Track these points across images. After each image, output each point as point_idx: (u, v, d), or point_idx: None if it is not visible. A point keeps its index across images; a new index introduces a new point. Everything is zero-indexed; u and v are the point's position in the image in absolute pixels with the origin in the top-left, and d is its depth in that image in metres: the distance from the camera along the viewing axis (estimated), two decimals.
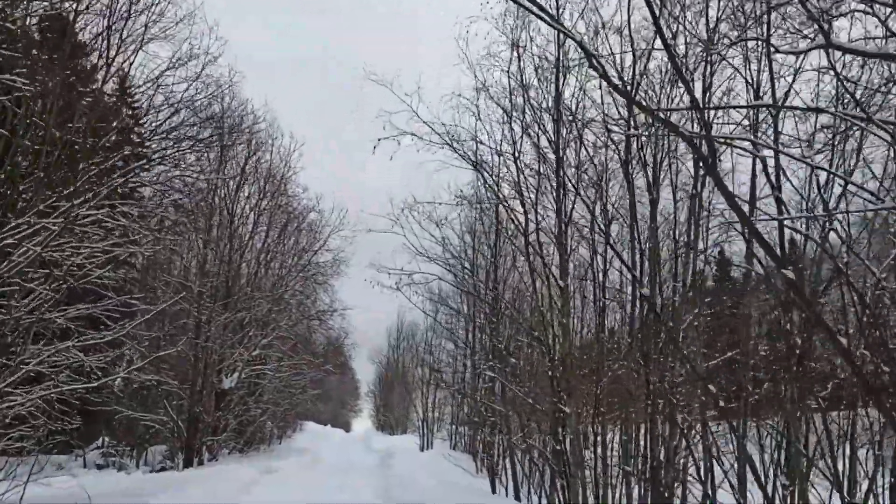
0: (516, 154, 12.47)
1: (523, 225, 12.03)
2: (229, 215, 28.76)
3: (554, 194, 11.52)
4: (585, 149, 11.74)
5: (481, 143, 12.56)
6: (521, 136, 12.57)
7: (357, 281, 34.35)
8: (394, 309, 54.43)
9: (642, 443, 14.64)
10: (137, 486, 16.37)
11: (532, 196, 12.56)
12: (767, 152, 7.82)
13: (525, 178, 12.69)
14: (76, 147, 11.71)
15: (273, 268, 32.55)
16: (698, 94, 9.15)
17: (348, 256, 31.36)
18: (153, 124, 13.37)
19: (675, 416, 9.88)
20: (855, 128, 7.57)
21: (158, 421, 25.16)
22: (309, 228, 32.06)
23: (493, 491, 17.03)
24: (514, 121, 12.47)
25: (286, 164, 30.50)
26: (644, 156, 11.50)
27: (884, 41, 5.65)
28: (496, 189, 12.25)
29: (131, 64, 14.16)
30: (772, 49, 7.01)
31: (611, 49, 10.07)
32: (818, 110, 6.86)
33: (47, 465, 21.21)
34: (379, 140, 10.73)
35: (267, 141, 29.87)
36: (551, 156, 11.80)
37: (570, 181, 11.57)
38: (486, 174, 12.33)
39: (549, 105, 11.45)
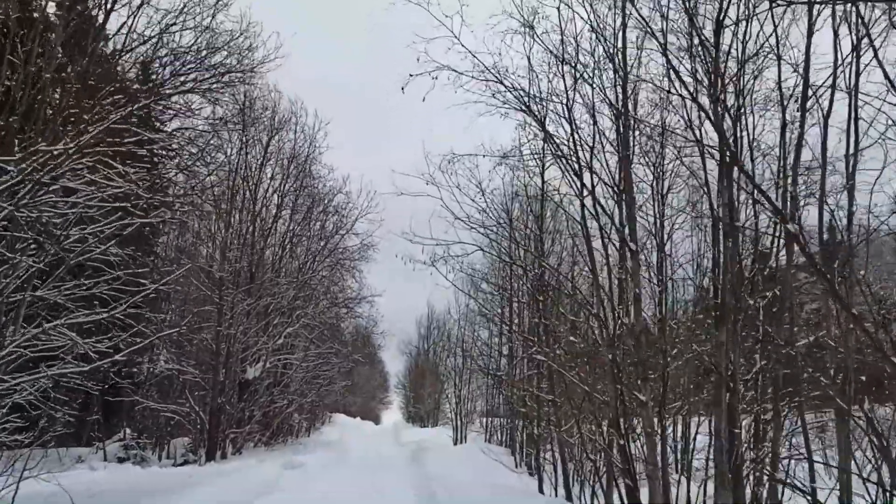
0: (568, 104, 10.77)
1: (578, 181, 10.29)
2: (252, 197, 27.52)
3: (615, 133, 9.81)
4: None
5: (530, 96, 10.79)
6: (574, 85, 10.87)
7: (386, 266, 33.01)
8: (423, 297, 52.92)
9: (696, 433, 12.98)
10: (147, 483, 15.07)
11: (587, 154, 10.84)
12: None
13: (579, 134, 10.97)
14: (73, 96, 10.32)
15: (297, 254, 31.30)
16: None
17: (376, 240, 29.94)
18: (160, 75, 11.89)
19: (779, 403, 8.17)
20: None
21: (180, 412, 24.05)
22: (335, 211, 30.68)
23: (541, 490, 15.34)
24: (566, 66, 10.75)
25: (311, 144, 29.22)
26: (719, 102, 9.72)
27: None
28: (547, 133, 10.45)
29: (136, 17, 12.74)
30: None
31: None
32: None
33: (66, 457, 20.35)
34: (410, 76, 9.07)
35: (290, 119, 28.64)
36: (609, 104, 10.08)
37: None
38: (535, 118, 10.52)
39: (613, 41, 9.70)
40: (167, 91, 11.20)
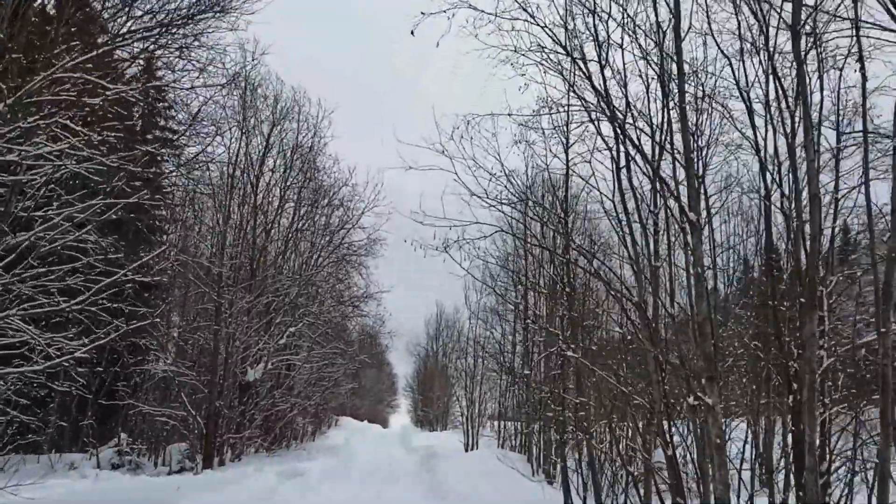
0: (602, 60, 9.32)
1: (615, 124, 8.84)
2: (253, 189, 26.15)
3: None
4: None
5: (568, 42, 9.32)
6: (607, 39, 9.44)
7: (394, 262, 31.56)
8: (432, 297, 51.54)
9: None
10: (131, 494, 13.71)
11: (620, 114, 9.40)
12: None
13: (609, 98, 9.52)
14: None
15: (301, 250, 29.94)
16: None
17: (384, 234, 28.53)
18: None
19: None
20: None
21: (176, 416, 22.68)
22: (341, 204, 29.29)
23: None
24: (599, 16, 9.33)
25: (315, 134, 27.87)
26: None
27: None
28: (589, 79, 8.95)
29: None
30: None
31: None
32: None
33: (59, 463, 19.05)
34: (422, 14, 7.65)
35: (293, 108, 27.29)
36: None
37: None
38: (572, 58, 9.05)
39: None
40: (126, 36, 9.76)
